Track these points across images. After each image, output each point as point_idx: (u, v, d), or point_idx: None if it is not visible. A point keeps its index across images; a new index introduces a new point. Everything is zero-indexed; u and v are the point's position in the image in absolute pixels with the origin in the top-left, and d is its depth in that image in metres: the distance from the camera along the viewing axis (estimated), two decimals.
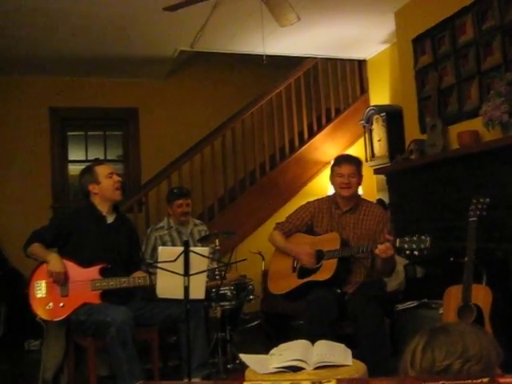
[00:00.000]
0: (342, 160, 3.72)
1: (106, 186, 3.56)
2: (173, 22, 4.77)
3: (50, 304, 3.32)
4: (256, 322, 5.37)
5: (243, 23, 4.98)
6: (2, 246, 5.84)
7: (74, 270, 3.37)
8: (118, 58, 5.91)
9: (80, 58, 5.86)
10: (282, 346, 2.53)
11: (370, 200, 4.04)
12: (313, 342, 2.53)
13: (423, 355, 1.36)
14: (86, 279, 3.36)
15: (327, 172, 4.03)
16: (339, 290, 3.54)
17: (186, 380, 3.14)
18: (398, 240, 3.18)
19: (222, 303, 4.16)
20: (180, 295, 2.94)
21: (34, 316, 3.35)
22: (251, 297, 4.41)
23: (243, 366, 2.52)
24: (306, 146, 6.44)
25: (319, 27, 5.16)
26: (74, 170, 6.61)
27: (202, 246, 4.04)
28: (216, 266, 3.82)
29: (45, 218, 4.16)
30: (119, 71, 6.44)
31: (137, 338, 3.26)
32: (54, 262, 3.33)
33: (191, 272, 2.95)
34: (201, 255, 3.01)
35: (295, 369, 2.31)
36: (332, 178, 3.73)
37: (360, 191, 5.85)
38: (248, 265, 4.20)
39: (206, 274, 3.11)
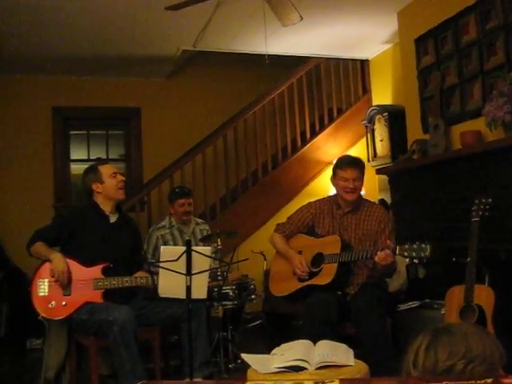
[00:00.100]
0: (347, 164, 3.64)
1: (109, 186, 3.57)
2: (175, 21, 4.77)
3: (53, 303, 3.33)
4: (258, 322, 5.37)
5: (246, 23, 4.98)
6: (5, 245, 5.85)
7: (77, 269, 3.38)
8: (121, 57, 5.91)
9: (82, 58, 5.86)
10: (284, 346, 2.53)
11: (372, 200, 4.03)
12: (314, 342, 2.53)
13: (426, 355, 1.36)
14: (88, 278, 3.37)
15: (329, 172, 3.99)
16: (340, 292, 3.53)
17: (188, 379, 3.13)
18: (398, 247, 3.16)
19: (223, 303, 4.16)
20: (182, 295, 2.94)
21: (37, 315, 3.36)
22: (253, 296, 4.41)
23: (245, 366, 2.52)
24: (308, 145, 6.43)
25: (322, 27, 5.16)
26: (77, 169, 6.62)
27: (204, 246, 4.04)
28: (218, 265, 3.82)
29: (47, 217, 4.17)
30: (121, 70, 6.45)
31: (139, 338, 3.26)
32: (57, 260, 3.33)
33: (193, 271, 2.95)
34: (203, 255, 3.01)
35: (297, 369, 2.31)
36: (335, 181, 3.68)
37: (362, 191, 5.88)
38: (250, 264, 4.21)
39: (208, 273, 3.11)
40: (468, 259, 3.18)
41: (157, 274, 3.17)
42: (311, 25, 4.98)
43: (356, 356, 2.49)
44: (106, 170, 3.61)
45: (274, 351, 2.51)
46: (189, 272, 2.93)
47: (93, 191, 3.60)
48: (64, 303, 3.33)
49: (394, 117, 5.27)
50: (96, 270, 3.39)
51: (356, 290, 3.53)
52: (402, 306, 3.95)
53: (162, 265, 3.01)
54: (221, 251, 4.35)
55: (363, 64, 6.49)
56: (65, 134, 6.73)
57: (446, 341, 1.36)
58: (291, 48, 5.72)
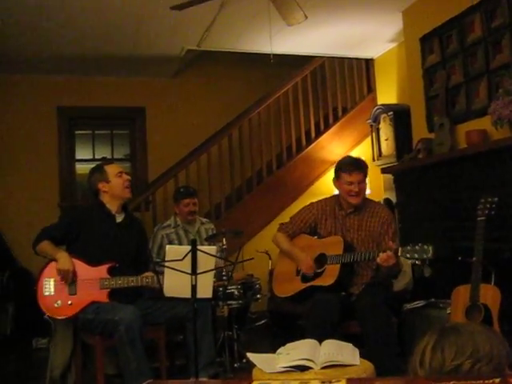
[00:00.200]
0: (351, 167, 3.58)
1: (115, 185, 3.58)
2: (180, 20, 4.77)
3: (59, 302, 3.33)
4: (263, 321, 5.37)
5: (250, 22, 4.98)
6: (10, 245, 5.87)
7: (83, 269, 3.38)
8: (126, 57, 5.92)
9: (87, 58, 5.87)
10: (290, 346, 2.53)
11: (375, 200, 4.02)
12: (318, 342, 2.53)
13: (433, 355, 1.35)
14: (94, 278, 3.37)
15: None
16: (344, 293, 3.53)
17: (193, 379, 3.14)
18: (400, 249, 3.15)
19: (229, 302, 4.16)
20: (187, 294, 2.94)
21: (42, 314, 3.37)
22: (258, 296, 4.41)
23: (250, 365, 2.52)
24: (313, 144, 6.42)
25: (326, 26, 5.15)
26: (82, 168, 6.64)
27: (209, 245, 4.04)
28: (223, 265, 3.82)
29: (52, 217, 4.18)
30: (126, 70, 6.46)
31: (144, 337, 3.27)
32: (63, 259, 3.34)
33: (198, 271, 2.94)
34: (208, 254, 3.01)
35: (302, 368, 2.31)
36: (339, 184, 3.64)
37: (367, 190, 5.86)
38: (255, 264, 4.21)
39: (213, 272, 3.11)
40: (474, 258, 3.17)
41: (162, 273, 3.17)
42: (316, 24, 4.98)
43: (361, 355, 2.49)
44: (111, 170, 3.62)
45: (279, 350, 2.50)
46: (194, 271, 2.93)
47: (99, 190, 3.60)
48: (70, 302, 3.34)
49: (399, 116, 5.26)
50: (102, 270, 3.39)
51: (360, 290, 3.52)
52: (408, 306, 3.95)
53: (167, 264, 3.01)
54: (226, 250, 4.34)
55: (368, 63, 6.48)
56: (70, 133, 6.74)
57: (453, 340, 1.36)
58: (296, 47, 5.72)
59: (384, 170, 5.13)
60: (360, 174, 3.56)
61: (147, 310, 3.45)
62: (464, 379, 1.16)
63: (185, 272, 2.92)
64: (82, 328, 3.43)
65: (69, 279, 3.33)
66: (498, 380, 1.11)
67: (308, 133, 6.47)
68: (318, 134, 6.47)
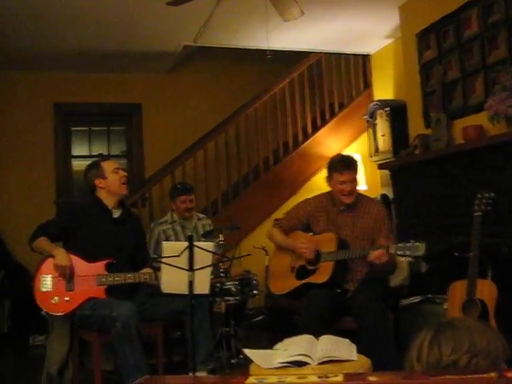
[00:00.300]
0: (342, 166, 3.58)
1: (112, 181, 3.58)
2: (176, 16, 4.76)
3: (56, 298, 3.33)
4: (260, 317, 5.37)
5: (247, 18, 4.97)
6: (6, 241, 5.85)
7: (80, 265, 3.38)
8: (122, 53, 5.91)
9: (83, 54, 5.86)
10: (287, 341, 2.53)
11: (372, 196, 4.02)
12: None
13: (430, 350, 1.36)
14: (91, 274, 3.37)
15: None
16: (339, 290, 3.53)
17: (191, 374, 3.14)
18: (393, 246, 3.15)
19: (226, 298, 4.16)
20: (185, 290, 2.94)
21: (39, 310, 3.36)
22: (255, 292, 4.41)
23: (247, 361, 2.53)
24: (309, 140, 6.42)
25: (323, 22, 5.15)
26: (78, 165, 6.62)
27: (206, 241, 4.04)
28: (221, 261, 3.82)
29: (49, 214, 4.17)
30: (123, 66, 6.44)
31: (142, 333, 3.27)
32: (61, 256, 3.33)
33: (196, 267, 2.95)
34: (205, 250, 3.01)
35: (300, 364, 2.32)
36: (331, 184, 3.64)
37: (364, 186, 5.88)
38: (252, 260, 4.21)
39: (210, 268, 3.11)
40: (470, 254, 3.18)
41: (159, 269, 3.17)
42: (313, 19, 4.97)
43: (358, 351, 2.49)
44: (108, 166, 3.62)
45: (276, 346, 2.51)
46: (191, 267, 2.93)
47: (95, 187, 3.60)
48: (67, 299, 3.34)
49: (396, 111, 5.26)
50: (99, 266, 3.39)
51: (356, 287, 3.53)
52: (405, 301, 3.95)
53: (164, 260, 3.01)
54: (223, 246, 4.34)
55: (365, 59, 6.48)
56: (66, 130, 6.73)
57: (450, 335, 1.36)
58: (293, 43, 5.72)
59: (381, 166, 5.13)
60: (351, 173, 3.56)
61: (144, 305, 3.45)
62: (460, 374, 1.16)
63: (182, 268, 2.92)
64: (79, 324, 3.43)
65: (66, 275, 3.32)
66: (494, 374, 1.11)
67: (305, 128, 6.47)
68: (315, 129, 6.47)
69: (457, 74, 4.24)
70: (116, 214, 3.62)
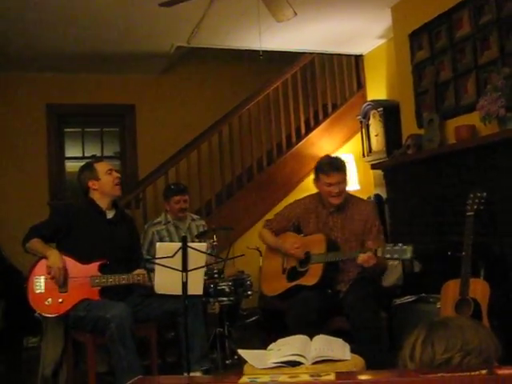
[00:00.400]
0: (329, 168, 3.53)
1: (105, 183, 3.58)
2: (169, 17, 4.76)
3: (49, 300, 3.32)
4: (254, 318, 5.37)
5: (240, 18, 4.98)
6: (0, 243, 5.83)
7: (73, 266, 3.37)
8: (115, 54, 5.90)
9: (76, 55, 5.84)
10: (281, 342, 2.54)
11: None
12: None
13: (423, 349, 1.36)
14: (85, 275, 3.36)
15: None
16: (330, 291, 3.54)
17: (186, 374, 3.14)
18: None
19: (220, 299, 4.16)
20: (178, 291, 2.94)
21: (33, 312, 3.35)
22: (249, 292, 4.41)
23: (241, 362, 2.53)
24: (303, 141, 6.43)
25: (316, 22, 5.16)
26: (71, 166, 6.61)
27: (200, 242, 4.04)
28: (214, 261, 3.82)
29: (42, 215, 4.15)
30: (116, 67, 6.43)
31: (135, 334, 3.26)
32: (54, 257, 3.32)
33: (189, 268, 2.95)
34: (199, 251, 3.01)
35: (293, 364, 2.32)
36: (319, 186, 3.61)
37: (357, 187, 5.90)
38: (246, 260, 4.21)
39: (204, 269, 3.12)
40: (463, 253, 3.19)
41: (152, 270, 3.17)
42: (305, 20, 4.98)
43: (352, 351, 2.50)
44: (101, 168, 3.62)
45: (270, 346, 2.51)
46: (185, 268, 2.93)
47: (89, 188, 3.60)
48: (60, 300, 3.33)
49: (389, 112, 5.28)
50: (93, 267, 3.39)
51: (347, 287, 3.53)
52: (398, 301, 3.96)
53: (157, 261, 3.01)
54: (216, 247, 4.35)
55: (357, 59, 6.49)
56: (59, 131, 6.71)
57: (443, 334, 1.37)
58: (285, 44, 5.72)
59: (374, 166, 5.15)
60: (339, 174, 3.52)
61: (138, 306, 3.44)
62: (452, 371, 1.17)
63: (175, 269, 2.92)
64: (73, 326, 3.42)
65: (59, 277, 3.31)
66: (484, 371, 1.12)
67: (298, 129, 6.48)
68: (308, 130, 6.48)
69: (449, 74, 4.26)
70: (110, 215, 3.61)
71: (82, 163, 3.83)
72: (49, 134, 6.57)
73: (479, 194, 3.37)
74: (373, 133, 5.55)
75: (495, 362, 1.36)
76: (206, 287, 3.60)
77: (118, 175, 3.66)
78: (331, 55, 6.47)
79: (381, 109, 5.37)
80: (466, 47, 4.07)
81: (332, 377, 1.21)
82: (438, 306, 3.33)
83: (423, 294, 3.91)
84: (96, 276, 3.37)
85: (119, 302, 3.31)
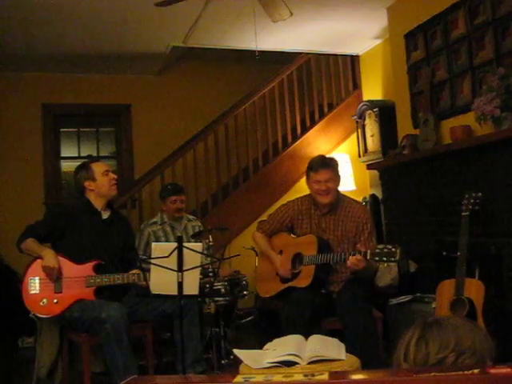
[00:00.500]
0: (317, 165, 3.54)
1: (101, 183, 3.57)
2: (165, 17, 4.76)
3: (44, 300, 3.32)
4: (250, 318, 5.38)
5: (236, 19, 4.98)
6: None
7: (68, 267, 3.37)
8: (111, 54, 5.89)
9: (72, 55, 5.84)
10: (276, 341, 2.54)
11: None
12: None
13: (417, 349, 1.37)
14: (80, 275, 3.36)
15: None
16: (323, 291, 3.54)
17: (180, 375, 3.14)
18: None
19: (215, 299, 4.16)
20: (174, 291, 2.94)
21: (28, 313, 3.35)
22: (245, 293, 4.42)
23: (237, 362, 2.53)
24: (298, 141, 6.43)
25: (312, 23, 5.16)
26: (67, 166, 6.60)
27: (195, 242, 4.04)
28: (209, 261, 3.82)
29: (37, 215, 4.15)
30: (111, 67, 6.42)
31: (131, 335, 3.26)
32: (49, 257, 3.32)
33: (185, 268, 2.95)
34: (194, 251, 3.01)
35: (289, 363, 2.32)
36: (308, 184, 3.61)
37: (353, 187, 5.90)
38: (241, 260, 4.22)
39: (199, 269, 3.11)
40: (458, 253, 3.20)
41: (148, 270, 3.16)
42: (301, 20, 4.99)
43: (347, 351, 2.50)
44: (98, 168, 3.61)
45: (266, 346, 2.52)
46: (180, 268, 2.93)
47: (85, 189, 3.60)
48: (55, 301, 3.32)
49: (385, 112, 5.29)
50: (87, 268, 3.38)
51: (340, 287, 3.52)
52: (394, 301, 3.98)
53: (153, 261, 3.01)
54: (212, 247, 4.35)
55: (353, 59, 6.50)
56: (55, 131, 6.69)
57: (437, 334, 1.37)
58: (281, 44, 5.73)
59: (369, 166, 5.15)
60: (327, 172, 3.51)
61: (133, 307, 3.44)
62: (445, 371, 1.18)
63: (171, 269, 2.92)
64: (69, 326, 3.42)
65: (54, 277, 3.31)
66: (477, 371, 1.12)
67: (294, 129, 6.48)
68: (304, 130, 6.48)
69: (444, 74, 4.27)
70: (105, 215, 3.61)
71: (77, 163, 3.82)
72: (44, 134, 6.56)
73: (474, 195, 3.38)
74: (368, 133, 5.56)
75: (490, 361, 1.36)
76: (201, 287, 3.60)
77: (115, 176, 3.65)
78: (327, 55, 6.48)
79: (376, 109, 5.37)
80: (462, 48, 4.08)
81: (325, 376, 1.21)
82: (434, 306, 3.34)
83: (418, 294, 3.93)
84: (91, 276, 3.37)
85: (114, 302, 3.30)
